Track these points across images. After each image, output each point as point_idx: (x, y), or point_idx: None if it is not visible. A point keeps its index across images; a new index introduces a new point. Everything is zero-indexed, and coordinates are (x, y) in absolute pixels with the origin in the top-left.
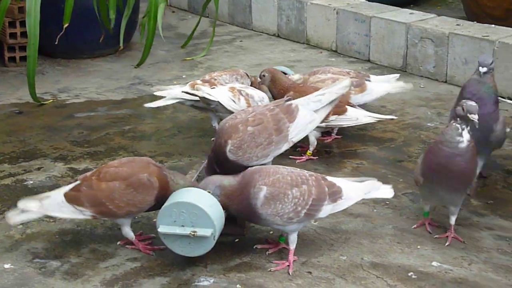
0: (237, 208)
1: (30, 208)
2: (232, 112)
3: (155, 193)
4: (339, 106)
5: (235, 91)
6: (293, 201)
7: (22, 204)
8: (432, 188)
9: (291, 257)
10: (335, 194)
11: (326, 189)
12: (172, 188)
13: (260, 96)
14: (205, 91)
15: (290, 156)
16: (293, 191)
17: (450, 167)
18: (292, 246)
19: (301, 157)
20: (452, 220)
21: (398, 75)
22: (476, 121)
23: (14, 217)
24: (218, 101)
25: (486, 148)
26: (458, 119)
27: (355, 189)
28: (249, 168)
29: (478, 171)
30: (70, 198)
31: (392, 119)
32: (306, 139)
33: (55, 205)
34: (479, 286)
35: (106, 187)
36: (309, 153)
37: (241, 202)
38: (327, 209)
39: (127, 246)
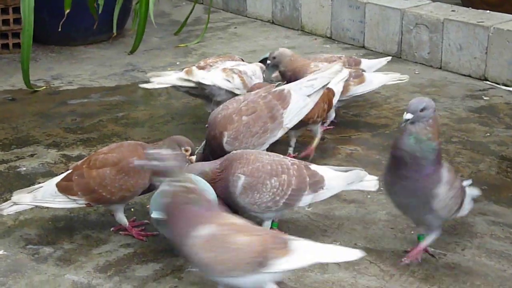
0: (217, 191)
1: (23, 201)
2: (231, 92)
3: (147, 175)
4: (358, 75)
5: (227, 70)
6: (271, 191)
7: (15, 198)
8: None
9: None
10: (316, 184)
11: (308, 179)
12: None
13: (253, 70)
14: (200, 76)
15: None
16: (271, 181)
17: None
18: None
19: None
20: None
21: (389, 57)
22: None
23: (7, 209)
24: (213, 84)
25: (431, 219)
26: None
27: (338, 179)
28: (232, 152)
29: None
30: (62, 188)
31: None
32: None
33: (48, 196)
34: (472, 271)
35: (97, 174)
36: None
37: (222, 188)
38: (307, 199)
39: (120, 232)
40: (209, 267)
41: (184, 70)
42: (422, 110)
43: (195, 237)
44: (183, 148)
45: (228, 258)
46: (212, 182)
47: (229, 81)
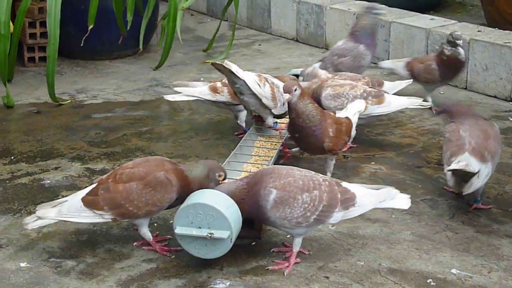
0: (246, 208)
1: (48, 216)
2: (258, 98)
3: (174, 190)
4: (378, 95)
5: (262, 77)
6: (302, 206)
7: (40, 212)
8: None
9: (293, 259)
10: (347, 201)
11: (339, 195)
12: (191, 180)
13: None
14: (233, 67)
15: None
16: (303, 196)
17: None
18: (296, 249)
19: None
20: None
21: (411, 80)
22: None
23: (31, 223)
24: (244, 80)
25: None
26: None
27: (369, 196)
28: (262, 168)
29: None
30: (88, 202)
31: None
32: None
33: (73, 210)
34: None
35: (123, 188)
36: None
37: (250, 202)
38: (338, 216)
39: (143, 247)
40: None
41: (209, 85)
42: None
43: None
44: (216, 174)
45: None
46: (241, 200)
47: (259, 86)
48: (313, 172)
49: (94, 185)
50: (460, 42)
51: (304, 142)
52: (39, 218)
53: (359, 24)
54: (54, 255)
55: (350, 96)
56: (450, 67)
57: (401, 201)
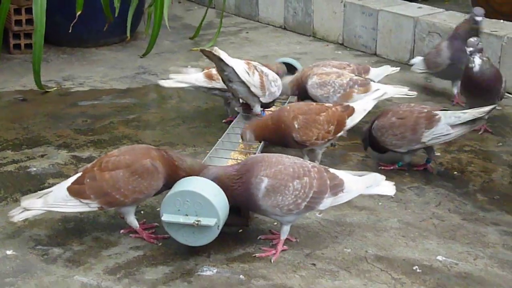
0: (235, 196)
1: (33, 207)
2: (246, 86)
3: (160, 177)
4: (364, 84)
5: (251, 65)
6: (293, 193)
7: (25, 203)
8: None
9: (280, 246)
10: (336, 187)
11: (328, 181)
12: (182, 167)
13: (274, 77)
14: (222, 54)
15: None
16: (294, 183)
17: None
18: (283, 236)
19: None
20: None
21: (398, 68)
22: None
23: (17, 215)
24: (232, 68)
25: None
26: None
27: (357, 183)
28: (251, 156)
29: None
30: (74, 191)
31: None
32: None
33: (59, 200)
34: (484, 281)
35: (109, 176)
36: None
37: (241, 190)
38: (327, 202)
39: (130, 234)
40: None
41: (204, 72)
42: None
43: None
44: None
45: None
46: (230, 188)
47: (248, 74)
48: (301, 159)
49: (79, 174)
50: (472, 49)
51: (281, 141)
52: (25, 209)
53: (459, 26)
54: (40, 243)
55: (336, 84)
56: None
57: (387, 187)
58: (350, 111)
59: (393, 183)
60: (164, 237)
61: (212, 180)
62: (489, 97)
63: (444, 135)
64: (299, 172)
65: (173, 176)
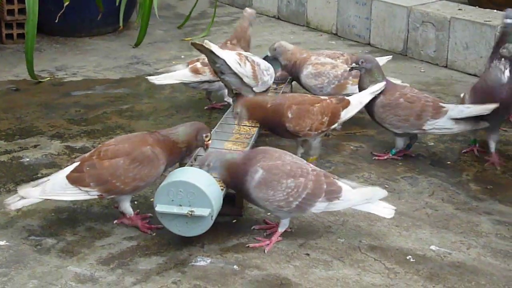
0: (232, 182)
1: (31, 196)
2: (239, 77)
3: (160, 163)
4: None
5: (242, 56)
6: (285, 190)
7: (23, 192)
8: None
9: (275, 238)
10: (332, 193)
11: (325, 186)
12: (179, 141)
13: (266, 66)
14: (213, 47)
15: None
16: (288, 181)
17: (495, 96)
18: (281, 229)
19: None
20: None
21: (390, 56)
22: None
23: (15, 203)
24: (224, 60)
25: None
26: (503, 59)
27: (355, 193)
28: (259, 147)
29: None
30: (74, 179)
31: None
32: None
33: (58, 188)
34: (477, 270)
35: (109, 164)
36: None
37: (238, 176)
38: (321, 206)
39: (124, 221)
40: None
41: (189, 66)
42: None
43: None
44: (203, 135)
45: None
46: (229, 169)
47: (240, 65)
48: (305, 161)
49: (77, 163)
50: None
51: (273, 129)
52: (22, 197)
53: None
54: (34, 233)
55: (331, 75)
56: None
57: (385, 210)
58: (345, 103)
59: (394, 207)
60: (158, 227)
61: (215, 159)
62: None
63: (445, 128)
64: (296, 171)
65: (174, 153)
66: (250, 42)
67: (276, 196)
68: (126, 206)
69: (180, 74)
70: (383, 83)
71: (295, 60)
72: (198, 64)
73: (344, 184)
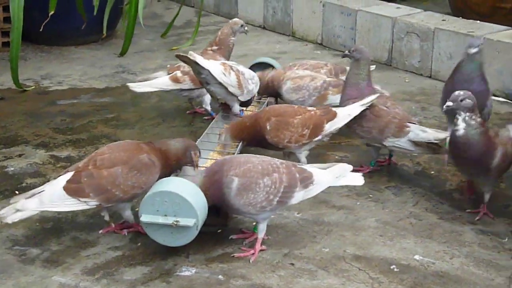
0: (209, 197)
1: (28, 208)
2: (224, 87)
3: (157, 170)
4: (338, 85)
5: (227, 66)
6: (265, 189)
7: (19, 204)
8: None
9: (258, 246)
10: (306, 179)
11: (297, 175)
12: (170, 153)
13: (251, 75)
14: (198, 58)
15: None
16: (264, 180)
17: (461, 153)
18: (260, 235)
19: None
20: (486, 197)
21: (374, 66)
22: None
23: (11, 216)
24: (209, 70)
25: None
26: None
27: (326, 174)
28: (219, 159)
29: None
30: (72, 190)
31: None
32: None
33: (56, 200)
34: (460, 280)
35: (108, 174)
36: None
37: (213, 191)
38: (299, 196)
39: (124, 231)
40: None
41: (169, 76)
42: (462, 100)
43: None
44: (192, 152)
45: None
46: (205, 191)
47: (225, 75)
48: (268, 157)
49: (71, 173)
50: (453, 105)
51: (257, 142)
52: (18, 210)
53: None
54: (18, 243)
55: (310, 88)
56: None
57: (355, 178)
58: (331, 115)
59: (361, 173)
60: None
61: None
62: (477, 171)
63: (405, 148)
64: (268, 169)
65: (166, 164)
66: (231, 50)
67: (257, 198)
68: (128, 214)
69: (160, 82)
70: (375, 95)
71: (267, 79)
72: (178, 73)
73: (313, 168)
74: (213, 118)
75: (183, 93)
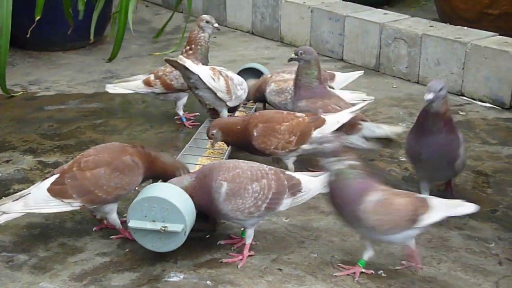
0: (197, 202)
1: (13, 210)
2: (213, 92)
3: (140, 172)
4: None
5: (216, 71)
6: (253, 195)
7: (4, 207)
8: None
9: (246, 251)
10: (294, 187)
11: (286, 182)
12: (158, 160)
13: (240, 80)
14: (187, 62)
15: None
16: (253, 186)
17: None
18: (248, 241)
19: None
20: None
21: (362, 72)
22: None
23: None
24: (198, 75)
25: (450, 174)
26: None
27: (314, 182)
28: (209, 163)
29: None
30: (56, 192)
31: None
32: None
33: (40, 202)
34: (448, 285)
35: (91, 175)
36: None
37: (201, 195)
38: (287, 202)
39: (111, 237)
40: (377, 228)
41: (142, 80)
42: (440, 90)
43: (368, 202)
44: (182, 171)
45: (392, 219)
46: (192, 195)
47: (214, 80)
48: (257, 163)
49: (56, 175)
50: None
51: (245, 147)
52: (4, 213)
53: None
54: (5, 249)
55: (293, 91)
56: None
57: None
58: (319, 122)
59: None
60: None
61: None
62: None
63: (356, 144)
64: (257, 175)
65: (150, 169)
66: (206, 49)
67: (245, 204)
68: (114, 218)
69: (134, 84)
70: (369, 100)
71: (257, 85)
72: (152, 77)
73: (302, 176)
74: (183, 124)
75: (160, 96)
